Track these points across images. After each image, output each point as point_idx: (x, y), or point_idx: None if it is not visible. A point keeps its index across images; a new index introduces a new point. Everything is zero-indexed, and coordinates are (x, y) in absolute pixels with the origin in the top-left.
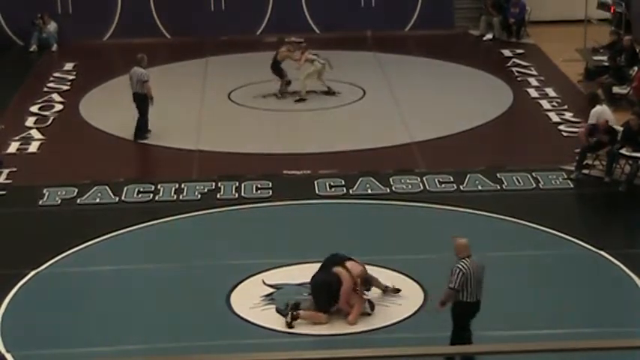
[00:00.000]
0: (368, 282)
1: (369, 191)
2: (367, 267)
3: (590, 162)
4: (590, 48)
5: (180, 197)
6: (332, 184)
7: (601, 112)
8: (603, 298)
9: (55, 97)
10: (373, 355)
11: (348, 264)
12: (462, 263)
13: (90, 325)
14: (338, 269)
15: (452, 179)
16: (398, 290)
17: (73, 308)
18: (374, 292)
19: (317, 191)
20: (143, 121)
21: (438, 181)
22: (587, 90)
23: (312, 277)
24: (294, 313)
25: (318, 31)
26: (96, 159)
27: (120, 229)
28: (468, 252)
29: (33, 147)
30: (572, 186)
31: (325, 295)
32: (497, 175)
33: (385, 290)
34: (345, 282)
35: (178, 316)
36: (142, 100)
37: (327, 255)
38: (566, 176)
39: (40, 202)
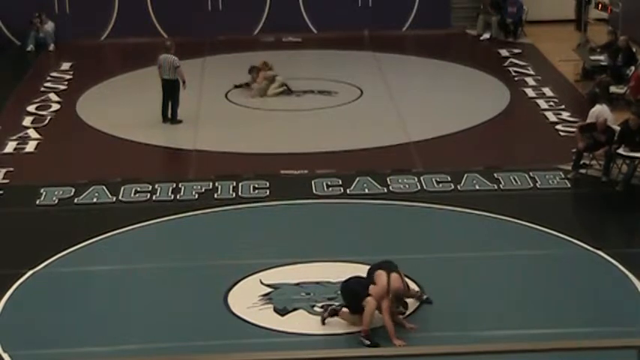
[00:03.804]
0: (399, 299)
1: (367, 191)
2: (364, 266)
3: (587, 161)
4: (587, 47)
5: (178, 197)
6: (329, 183)
7: (600, 111)
8: (600, 297)
9: (52, 96)
10: (372, 355)
11: (393, 275)
12: None
13: (87, 325)
14: (379, 272)
15: (449, 179)
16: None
17: (70, 308)
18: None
19: (314, 191)
20: (176, 107)
21: (436, 180)
22: (584, 90)
23: (346, 281)
24: (334, 308)
25: (315, 31)
26: (93, 159)
27: (117, 229)
28: None
29: (30, 147)
30: (569, 186)
31: (354, 299)
32: (495, 174)
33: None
34: (378, 286)
35: (176, 316)
36: (174, 86)
37: (325, 255)
38: (563, 176)
39: (38, 202)
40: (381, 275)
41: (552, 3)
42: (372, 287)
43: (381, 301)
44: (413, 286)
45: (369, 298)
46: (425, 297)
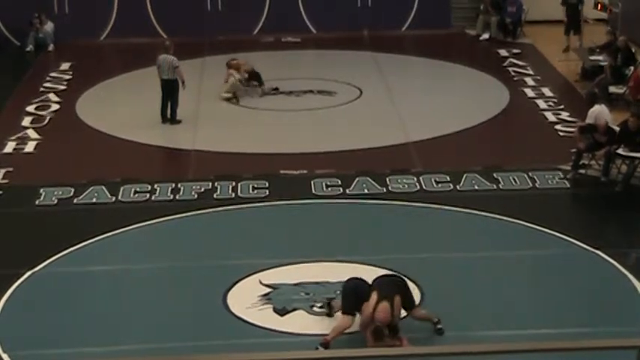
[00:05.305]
0: (379, 332)
1: (366, 191)
2: (363, 266)
3: (586, 162)
4: (586, 48)
5: (177, 197)
6: (328, 183)
7: (599, 111)
8: (599, 297)
9: (52, 96)
10: (372, 355)
11: (381, 306)
12: None
13: (86, 325)
14: (374, 293)
15: (448, 179)
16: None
17: (69, 308)
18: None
19: (313, 191)
20: (175, 107)
21: (435, 180)
22: (583, 90)
23: (347, 281)
24: (332, 304)
25: (314, 31)
26: (92, 159)
27: (116, 229)
28: None
29: (29, 147)
30: (568, 186)
31: (351, 299)
32: (494, 174)
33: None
34: (364, 314)
35: (175, 316)
36: (173, 87)
37: (324, 255)
38: (562, 176)
39: (37, 202)
40: (372, 299)
41: (552, 3)
42: (363, 306)
43: (365, 327)
44: (425, 311)
45: (346, 317)
46: (439, 326)
